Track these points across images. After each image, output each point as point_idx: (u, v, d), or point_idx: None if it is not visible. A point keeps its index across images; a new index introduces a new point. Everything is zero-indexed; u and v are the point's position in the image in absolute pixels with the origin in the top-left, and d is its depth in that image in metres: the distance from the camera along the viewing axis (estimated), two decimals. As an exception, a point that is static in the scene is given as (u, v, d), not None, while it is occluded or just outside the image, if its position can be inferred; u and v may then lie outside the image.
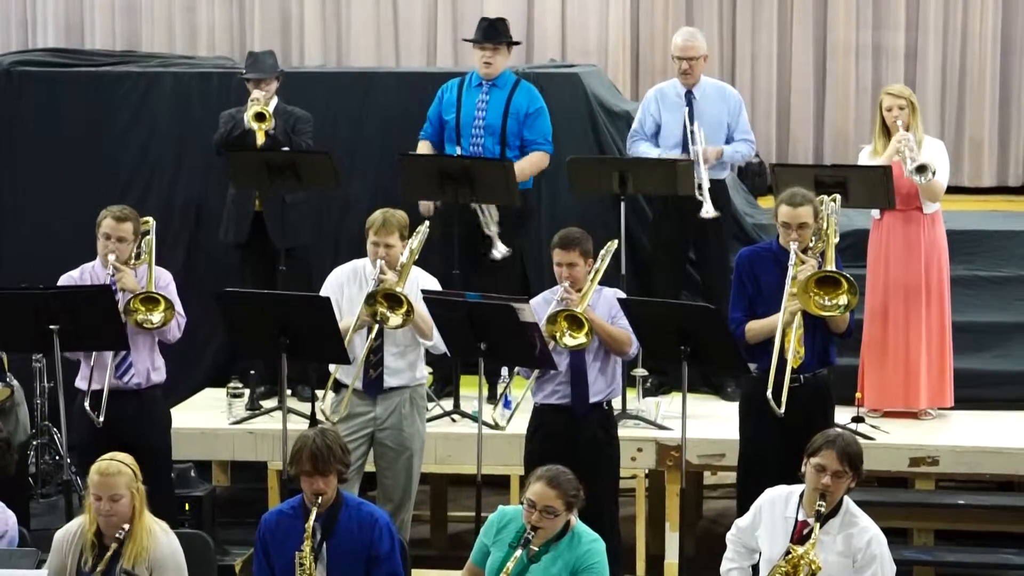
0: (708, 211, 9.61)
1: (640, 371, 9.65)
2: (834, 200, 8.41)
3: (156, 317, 8.13)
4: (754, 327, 7.99)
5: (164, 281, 8.30)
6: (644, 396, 9.65)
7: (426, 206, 9.78)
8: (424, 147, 10.00)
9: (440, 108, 9.98)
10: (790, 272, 7.87)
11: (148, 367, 8.28)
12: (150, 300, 8.14)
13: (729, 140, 9.98)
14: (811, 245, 7.97)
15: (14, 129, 10.99)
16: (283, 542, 6.79)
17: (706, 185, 9.62)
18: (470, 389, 9.03)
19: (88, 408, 8.12)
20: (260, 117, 9.72)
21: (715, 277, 9.90)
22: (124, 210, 8.28)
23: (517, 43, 10.18)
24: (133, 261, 8.27)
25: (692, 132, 9.76)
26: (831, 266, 7.92)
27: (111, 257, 8.17)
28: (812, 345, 7.96)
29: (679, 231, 9.98)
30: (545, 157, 9.93)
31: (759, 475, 7.71)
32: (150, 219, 8.47)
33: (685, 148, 9.84)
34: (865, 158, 9.53)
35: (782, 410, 7.75)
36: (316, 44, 12.71)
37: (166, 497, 7.97)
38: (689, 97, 9.94)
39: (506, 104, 9.87)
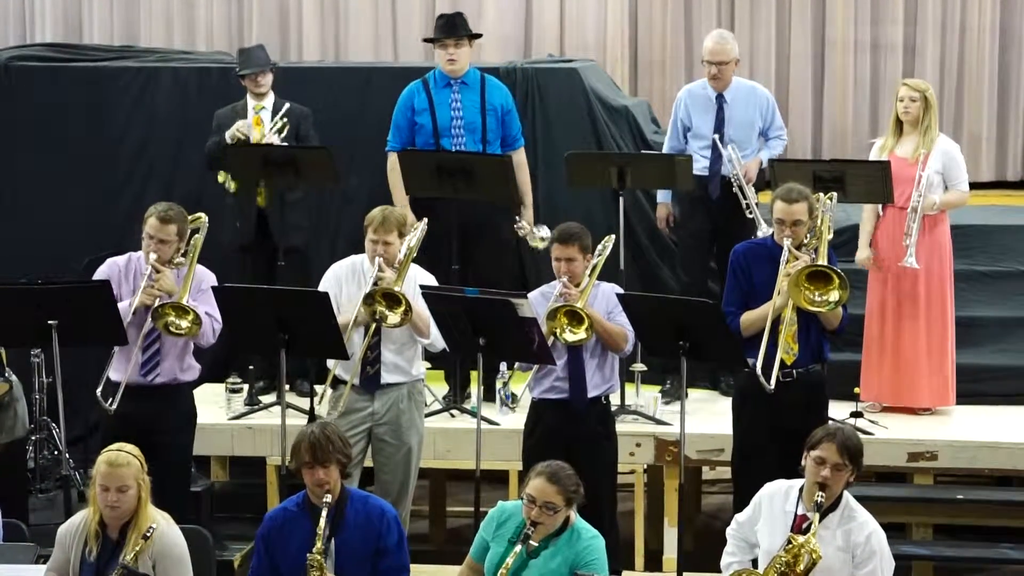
0: (764, 229, 9.48)
1: (639, 366, 9.64)
2: (830, 198, 8.38)
3: (184, 324, 7.97)
4: (747, 318, 7.98)
5: (206, 283, 8.13)
6: (642, 391, 9.66)
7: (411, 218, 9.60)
8: (394, 160, 9.76)
9: (410, 113, 9.83)
10: (782, 268, 7.87)
11: (176, 368, 8.16)
12: (182, 307, 7.99)
13: (764, 136, 9.90)
14: (805, 242, 7.95)
15: (12, 124, 10.98)
16: (288, 540, 6.76)
17: (754, 202, 9.46)
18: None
19: (100, 396, 8.03)
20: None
21: None
22: (170, 211, 8.04)
23: (478, 35, 10.07)
24: (178, 259, 8.07)
25: (729, 157, 9.58)
26: (823, 261, 7.91)
27: (152, 256, 8.00)
28: (806, 341, 7.96)
29: (707, 236, 9.89)
30: (523, 152, 9.95)
31: (754, 469, 7.73)
32: (202, 215, 8.26)
33: (716, 151, 9.72)
34: (876, 153, 9.51)
35: (772, 385, 7.74)
36: (314, 39, 12.67)
37: (178, 496, 7.89)
38: (720, 100, 9.82)
39: (481, 102, 9.82)
